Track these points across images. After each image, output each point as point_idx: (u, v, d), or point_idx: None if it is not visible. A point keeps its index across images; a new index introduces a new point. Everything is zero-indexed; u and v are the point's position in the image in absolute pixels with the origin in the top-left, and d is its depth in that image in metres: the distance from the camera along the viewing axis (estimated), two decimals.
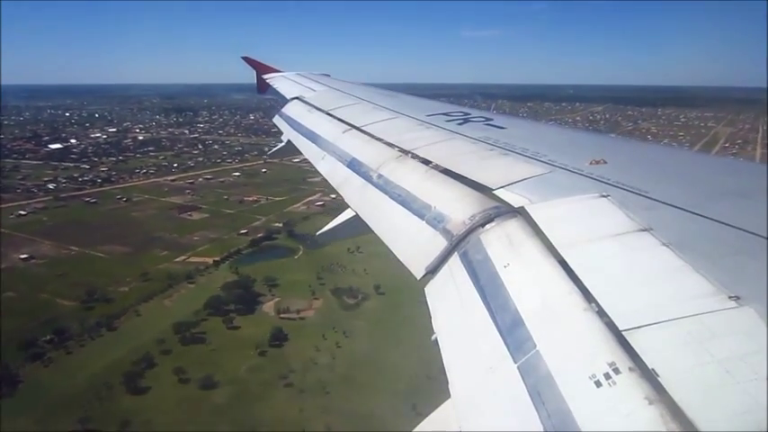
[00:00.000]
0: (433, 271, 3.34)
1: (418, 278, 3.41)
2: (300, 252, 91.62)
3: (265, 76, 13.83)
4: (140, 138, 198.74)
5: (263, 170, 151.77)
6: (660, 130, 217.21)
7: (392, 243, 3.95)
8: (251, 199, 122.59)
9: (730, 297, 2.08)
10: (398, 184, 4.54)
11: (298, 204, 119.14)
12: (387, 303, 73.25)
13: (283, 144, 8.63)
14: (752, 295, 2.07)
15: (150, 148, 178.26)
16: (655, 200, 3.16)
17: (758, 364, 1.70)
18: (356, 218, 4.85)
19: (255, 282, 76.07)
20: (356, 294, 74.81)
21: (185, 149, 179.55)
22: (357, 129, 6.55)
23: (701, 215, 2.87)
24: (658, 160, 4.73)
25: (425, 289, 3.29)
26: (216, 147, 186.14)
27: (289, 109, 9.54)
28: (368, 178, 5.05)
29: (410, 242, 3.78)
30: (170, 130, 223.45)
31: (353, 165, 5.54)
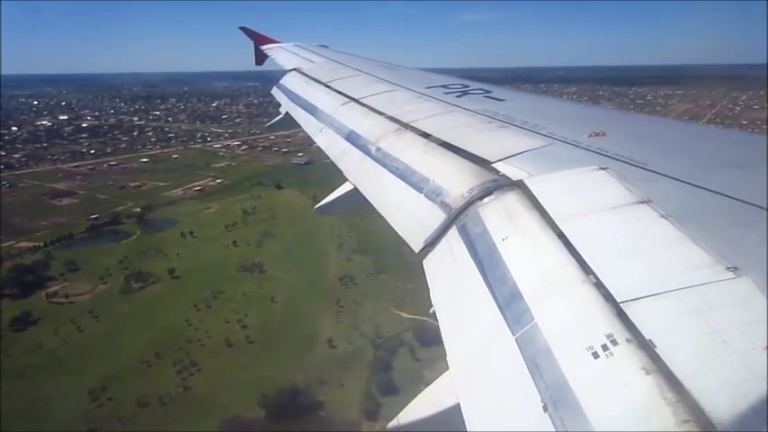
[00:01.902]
0: (431, 244, 3.35)
1: (416, 251, 3.40)
2: (134, 236, 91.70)
3: (263, 47, 13.62)
4: (84, 125, 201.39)
5: (175, 156, 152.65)
6: (614, 108, 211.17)
7: (390, 216, 3.95)
8: (134, 185, 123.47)
9: (728, 268, 2.08)
10: (397, 157, 4.52)
11: (177, 189, 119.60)
12: (173, 287, 73.29)
13: (282, 116, 8.53)
14: (750, 266, 2.07)
15: (84, 135, 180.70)
16: (654, 172, 3.15)
17: (755, 333, 1.73)
18: (354, 191, 4.82)
19: (51, 266, 76.54)
20: (146, 278, 74.47)
21: (118, 135, 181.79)
22: (356, 101, 6.49)
23: (700, 187, 2.88)
24: (657, 132, 4.72)
25: (424, 262, 3.28)
26: (150, 133, 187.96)
27: (287, 80, 9.45)
28: (366, 151, 5.03)
29: (408, 215, 3.78)
30: (121, 117, 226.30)
31: (352, 137, 5.51)
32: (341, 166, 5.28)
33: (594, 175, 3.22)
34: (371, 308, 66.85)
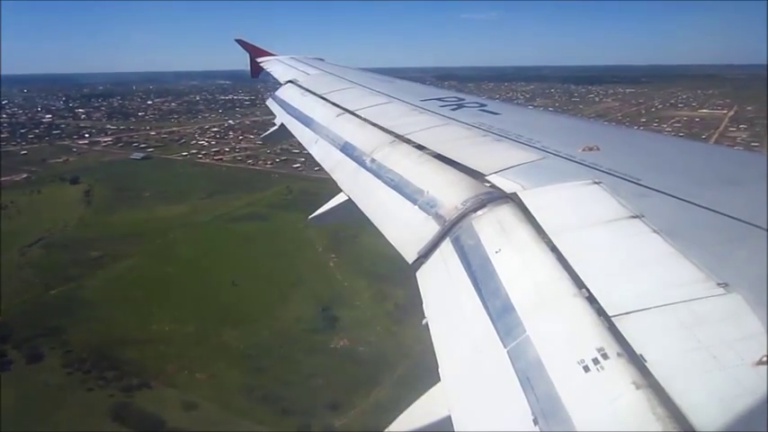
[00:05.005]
0: (424, 255, 3.31)
1: (410, 262, 3.35)
2: None
3: (259, 60, 13.67)
4: None
5: (23, 152, 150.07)
6: (544, 104, 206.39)
7: (384, 227, 3.92)
8: None
9: (719, 284, 2.10)
10: (391, 169, 4.49)
11: None
12: None
13: (276, 127, 8.48)
14: (740, 282, 2.09)
15: None
16: (647, 187, 3.15)
17: (744, 349, 1.74)
18: (348, 202, 4.82)
19: None
20: None
21: (4, 132, 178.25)
22: (351, 113, 6.50)
23: (693, 203, 2.87)
24: (651, 147, 4.73)
25: (417, 273, 3.24)
26: (37, 130, 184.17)
27: (282, 92, 9.47)
28: (361, 162, 5.01)
29: (402, 227, 3.73)
30: (39, 114, 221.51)
31: (346, 149, 5.51)
32: (335, 177, 5.25)
33: (588, 189, 3.21)
34: None
